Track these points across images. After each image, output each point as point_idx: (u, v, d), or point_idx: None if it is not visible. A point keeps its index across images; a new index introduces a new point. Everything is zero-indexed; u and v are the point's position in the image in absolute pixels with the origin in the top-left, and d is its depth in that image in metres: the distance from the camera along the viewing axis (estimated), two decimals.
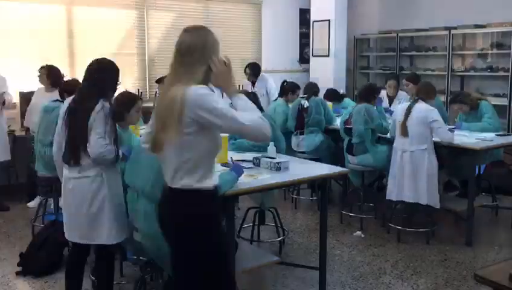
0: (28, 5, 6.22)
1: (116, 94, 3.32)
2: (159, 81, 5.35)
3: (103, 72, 3.07)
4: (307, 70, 8.38)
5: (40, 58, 5.77)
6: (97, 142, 2.91)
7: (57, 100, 4.40)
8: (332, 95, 6.43)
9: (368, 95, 4.92)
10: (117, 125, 3.17)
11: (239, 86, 7.04)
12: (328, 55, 7.90)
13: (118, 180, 3.09)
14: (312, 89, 5.69)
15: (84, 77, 3.10)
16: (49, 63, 5.37)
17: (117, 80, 3.15)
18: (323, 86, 6.75)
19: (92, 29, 6.65)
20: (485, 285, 1.91)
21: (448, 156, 4.69)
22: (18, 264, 3.95)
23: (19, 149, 5.72)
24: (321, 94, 6.04)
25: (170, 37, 7.37)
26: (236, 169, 2.92)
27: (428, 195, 4.33)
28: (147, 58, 7.18)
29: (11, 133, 5.74)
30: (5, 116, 5.80)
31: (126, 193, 3.05)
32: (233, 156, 3.74)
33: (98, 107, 2.95)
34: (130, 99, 3.43)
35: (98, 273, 3.26)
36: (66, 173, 3.09)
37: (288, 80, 6.00)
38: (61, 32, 6.50)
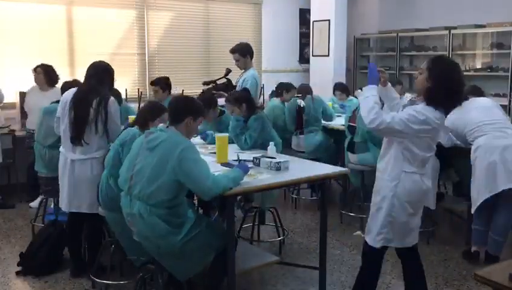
0: (28, 5, 6.22)
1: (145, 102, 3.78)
2: (153, 83, 5.49)
3: (107, 73, 3.73)
4: (307, 70, 8.38)
5: (40, 58, 5.77)
6: (116, 129, 3.63)
7: (57, 101, 4.40)
8: (342, 88, 6.53)
9: None
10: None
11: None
12: (328, 55, 7.90)
13: None
14: (306, 89, 5.71)
15: (90, 73, 3.69)
16: (45, 62, 5.39)
17: (113, 81, 3.84)
18: (323, 85, 6.76)
19: (92, 29, 6.65)
20: (485, 285, 1.92)
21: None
22: (18, 264, 3.95)
23: (19, 149, 5.72)
24: (321, 92, 6.09)
25: (170, 37, 7.39)
26: (243, 167, 3.00)
27: None
28: (147, 58, 7.18)
29: (11, 132, 5.74)
30: (2, 116, 5.81)
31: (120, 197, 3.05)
32: (234, 155, 3.74)
33: (112, 99, 3.63)
34: (158, 109, 3.50)
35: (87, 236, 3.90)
36: (69, 154, 3.66)
37: (281, 82, 6.12)
38: (61, 32, 6.50)
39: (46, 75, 5.29)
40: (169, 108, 3.03)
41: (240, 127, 4.13)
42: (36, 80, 5.35)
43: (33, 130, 5.19)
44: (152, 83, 5.52)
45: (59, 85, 5.31)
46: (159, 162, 2.76)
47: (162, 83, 5.44)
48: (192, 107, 2.98)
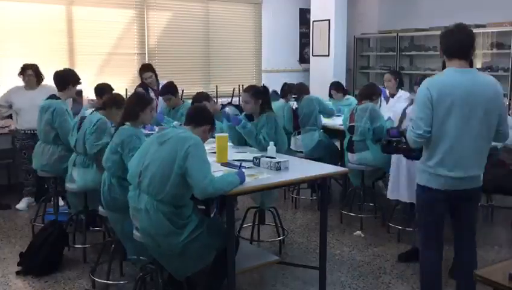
0: (28, 5, 6.22)
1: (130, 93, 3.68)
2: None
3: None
4: (307, 70, 8.38)
5: (40, 57, 5.76)
6: None
7: (50, 97, 4.43)
8: (337, 86, 6.47)
9: (370, 94, 4.93)
10: (129, 123, 3.39)
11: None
12: (328, 55, 7.90)
13: None
14: (302, 89, 5.67)
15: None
16: (40, 62, 5.40)
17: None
18: (324, 85, 6.75)
19: (92, 29, 6.65)
20: (485, 285, 1.92)
21: None
22: (18, 264, 3.95)
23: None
24: (321, 92, 6.05)
25: (170, 37, 7.39)
26: (241, 175, 2.98)
27: (409, 193, 4.30)
28: (146, 58, 7.17)
29: (10, 132, 5.73)
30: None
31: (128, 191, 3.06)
32: (234, 155, 3.74)
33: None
34: (145, 99, 3.57)
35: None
36: None
37: (288, 82, 6.06)
38: (61, 31, 6.50)
39: (36, 75, 5.28)
40: (193, 110, 3.21)
41: (252, 128, 4.04)
42: (28, 82, 5.28)
43: (30, 130, 5.17)
44: (162, 94, 5.21)
45: (45, 82, 5.33)
46: (168, 156, 2.80)
47: (172, 90, 5.09)
48: (212, 118, 3.16)
